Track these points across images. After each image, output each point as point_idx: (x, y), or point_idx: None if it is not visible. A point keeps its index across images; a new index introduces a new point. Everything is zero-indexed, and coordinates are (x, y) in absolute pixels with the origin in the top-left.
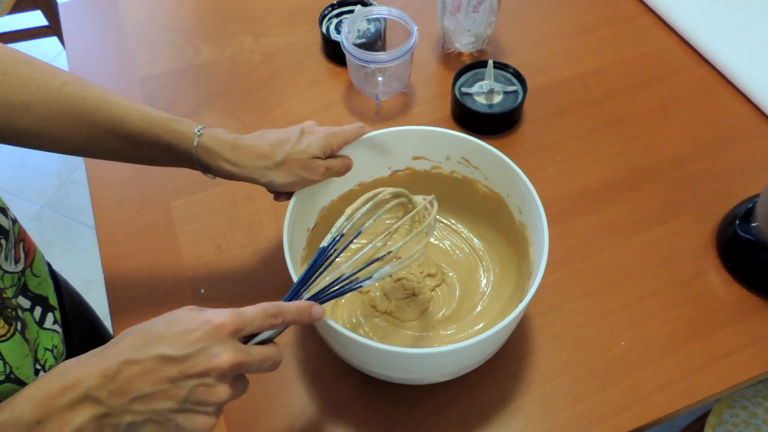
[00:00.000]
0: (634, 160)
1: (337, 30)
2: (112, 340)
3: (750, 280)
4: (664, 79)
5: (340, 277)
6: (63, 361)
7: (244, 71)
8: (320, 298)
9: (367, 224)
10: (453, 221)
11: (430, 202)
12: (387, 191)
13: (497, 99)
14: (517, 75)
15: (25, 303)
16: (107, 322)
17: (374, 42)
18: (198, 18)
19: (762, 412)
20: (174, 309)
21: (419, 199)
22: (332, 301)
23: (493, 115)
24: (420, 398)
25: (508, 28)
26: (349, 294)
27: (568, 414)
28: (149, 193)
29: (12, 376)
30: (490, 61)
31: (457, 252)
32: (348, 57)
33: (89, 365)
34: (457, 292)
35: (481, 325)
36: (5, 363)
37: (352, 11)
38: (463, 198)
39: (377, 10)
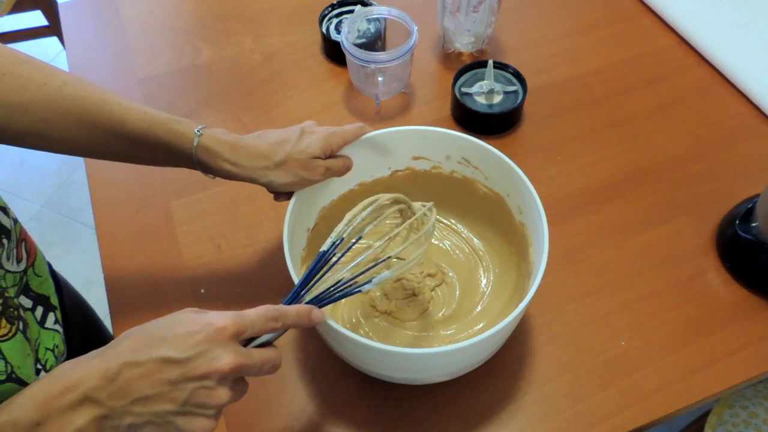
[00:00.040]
0: (634, 160)
1: (337, 30)
2: (112, 342)
3: (750, 280)
4: (664, 79)
5: (339, 281)
6: (64, 360)
7: (244, 71)
8: (320, 301)
9: (367, 229)
10: (453, 221)
11: (429, 209)
12: (386, 197)
13: (497, 99)
14: (517, 75)
15: (27, 303)
16: (107, 322)
17: (374, 42)
18: (198, 18)
19: (762, 412)
20: (174, 309)
21: (418, 206)
22: None
23: (493, 115)
24: (420, 398)
25: (508, 28)
26: None
27: (568, 414)
28: (149, 193)
29: (13, 375)
30: (490, 61)
31: (457, 252)
32: (348, 57)
33: (90, 366)
34: (457, 292)
35: (481, 325)
36: (6, 362)
37: (352, 11)
38: (463, 198)
39: (377, 10)
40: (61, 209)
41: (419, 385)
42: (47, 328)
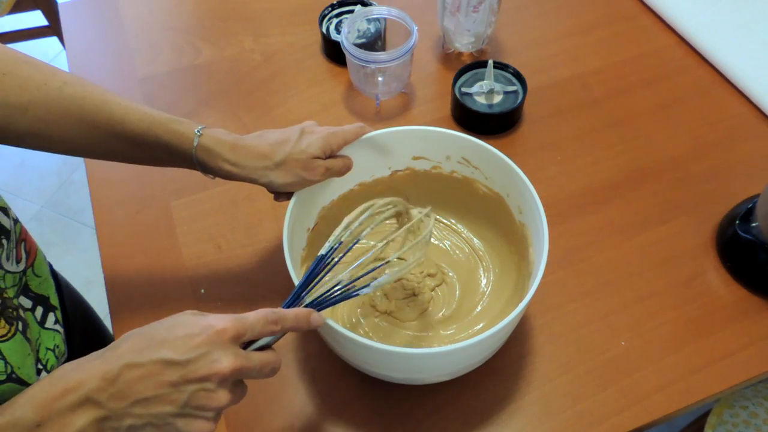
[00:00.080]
0: (634, 160)
1: (337, 30)
2: (113, 343)
3: (750, 280)
4: (664, 79)
5: (338, 285)
6: (65, 360)
7: (244, 71)
8: (319, 305)
9: (364, 232)
10: (453, 221)
11: (427, 214)
12: (381, 202)
13: (497, 99)
14: (517, 75)
15: (27, 303)
16: (107, 321)
17: (374, 42)
18: (198, 18)
19: (762, 412)
20: (174, 309)
21: (416, 213)
22: None
23: (493, 115)
24: (420, 398)
25: (508, 28)
26: None
27: (568, 414)
28: (149, 193)
29: (14, 375)
30: (490, 61)
31: (457, 252)
32: (348, 57)
33: (90, 368)
34: (457, 292)
35: (481, 325)
36: (6, 363)
37: (352, 11)
38: (463, 198)
39: (377, 10)
40: (61, 209)
41: (419, 385)
42: (47, 328)
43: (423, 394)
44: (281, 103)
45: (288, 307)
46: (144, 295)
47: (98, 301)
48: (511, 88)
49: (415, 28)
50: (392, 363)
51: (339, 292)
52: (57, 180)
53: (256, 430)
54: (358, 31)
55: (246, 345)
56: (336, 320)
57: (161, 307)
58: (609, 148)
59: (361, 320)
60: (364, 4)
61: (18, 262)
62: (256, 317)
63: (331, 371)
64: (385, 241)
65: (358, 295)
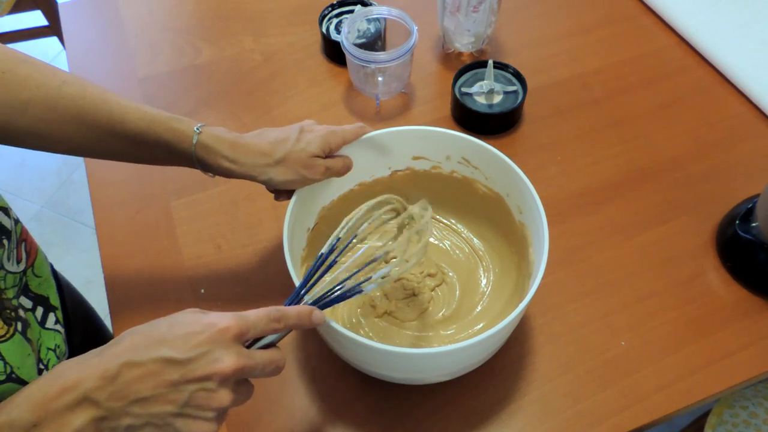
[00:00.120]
0: (634, 160)
1: (337, 30)
2: (111, 341)
3: (750, 280)
4: (664, 79)
5: (339, 284)
6: (65, 360)
7: (244, 71)
8: (320, 303)
9: (361, 228)
10: (453, 221)
11: (425, 207)
12: (373, 202)
13: (497, 99)
14: (517, 75)
15: (27, 303)
16: (107, 321)
17: (374, 42)
18: (198, 18)
19: (762, 412)
20: (174, 309)
21: (415, 209)
22: None
23: (493, 115)
24: (420, 398)
25: (508, 28)
26: None
27: (568, 414)
28: (149, 193)
29: (13, 376)
30: (490, 61)
31: (457, 252)
32: (348, 57)
33: (88, 367)
34: (457, 292)
35: (481, 325)
36: (6, 363)
37: (352, 11)
38: (463, 198)
39: (377, 10)
40: (61, 209)
41: (419, 385)
42: (48, 329)
43: (423, 394)
44: (281, 103)
45: (290, 304)
46: (144, 295)
47: (98, 301)
48: (511, 88)
49: (415, 28)
50: (392, 363)
51: (338, 292)
52: (57, 180)
53: (256, 431)
54: (358, 31)
55: (250, 344)
56: (336, 320)
57: (161, 307)
58: (609, 148)
59: (361, 320)
60: (364, 4)
61: (18, 262)
62: (258, 315)
63: (331, 371)
64: (387, 239)
65: (360, 292)
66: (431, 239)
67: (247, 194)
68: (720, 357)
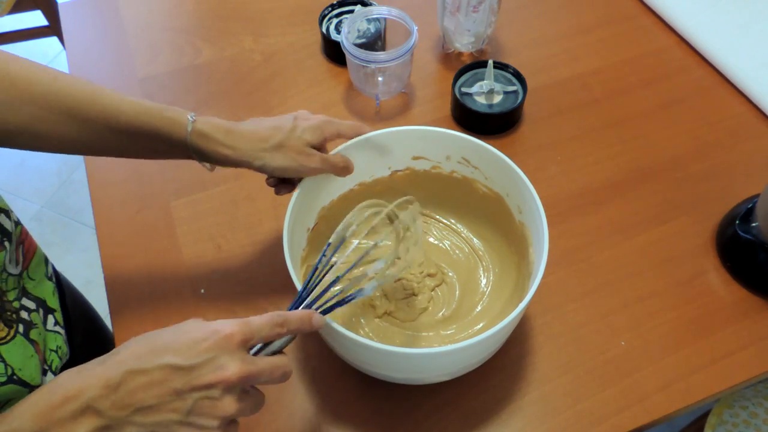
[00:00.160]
0: (634, 160)
1: (337, 30)
2: (115, 349)
3: (750, 280)
4: (664, 79)
5: (337, 288)
6: (67, 360)
7: (244, 71)
8: (321, 309)
9: (350, 231)
10: (453, 221)
11: (409, 201)
12: (358, 208)
13: (497, 99)
14: (517, 75)
15: (30, 305)
16: (108, 321)
17: (374, 42)
18: (198, 18)
19: (762, 412)
20: (174, 309)
21: (407, 218)
22: None
23: (493, 115)
24: (420, 398)
25: (508, 28)
26: None
27: (568, 414)
28: (149, 193)
29: (15, 377)
30: (490, 61)
31: (457, 252)
32: (348, 57)
33: (91, 375)
34: (457, 292)
35: (481, 325)
36: (6, 365)
37: (352, 11)
38: (462, 198)
39: (377, 10)
40: (61, 209)
41: (419, 385)
42: (48, 330)
43: (423, 394)
44: (281, 103)
45: (291, 309)
46: (144, 295)
47: (98, 301)
48: (511, 88)
49: (415, 28)
50: (392, 363)
51: (335, 300)
52: (57, 180)
53: (256, 430)
54: (358, 31)
55: (257, 352)
56: (336, 321)
57: (161, 307)
58: (609, 148)
59: (361, 320)
60: (364, 4)
61: (17, 264)
62: (261, 320)
63: (331, 371)
64: (375, 244)
65: (362, 295)
66: (431, 239)
67: (247, 194)
68: (720, 357)
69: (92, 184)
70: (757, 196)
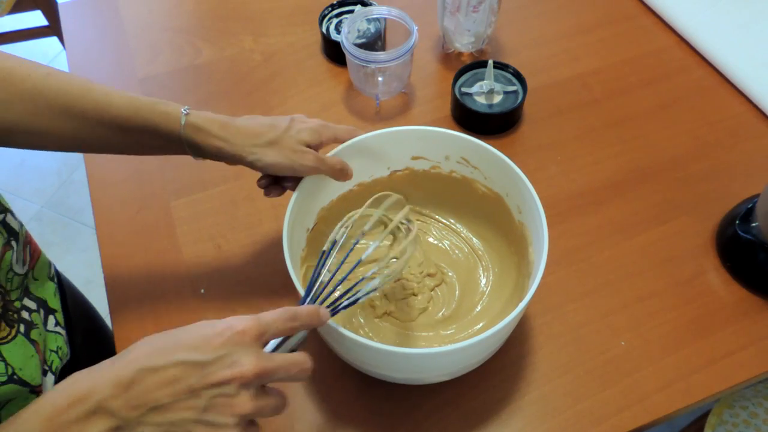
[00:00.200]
0: (634, 160)
1: (337, 30)
2: (123, 351)
3: (750, 280)
4: (664, 79)
5: (343, 293)
6: (67, 361)
7: (244, 71)
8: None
9: (339, 233)
10: (452, 221)
11: (399, 201)
12: (349, 216)
13: (497, 99)
14: (517, 75)
15: (31, 305)
16: (108, 321)
17: (374, 42)
18: (198, 18)
19: (762, 412)
20: (174, 309)
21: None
22: None
23: (493, 115)
24: (420, 398)
25: (508, 28)
26: None
27: (568, 414)
28: (149, 193)
29: (15, 377)
30: (490, 61)
31: (457, 252)
32: (348, 57)
33: (101, 376)
34: (457, 292)
35: (481, 324)
36: (7, 364)
37: (352, 11)
38: (462, 198)
39: (377, 10)
40: (61, 209)
41: (419, 385)
42: (49, 331)
43: (423, 394)
44: (281, 103)
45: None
46: (144, 295)
47: (99, 301)
48: (511, 88)
49: (415, 28)
50: (392, 363)
51: (343, 299)
52: (57, 180)
53: None
54: (358, 31)
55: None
56: (336, 320)
57: (161, 307)
58: (609, 148)
59: (361, 320)
60: (364, 4)
61: (24, 264)
62: (274, 315)
63: (331, 371)
64: (372, 244)
65: (367, 296)
66: (430, 239)
67: (247, 194)
68: (720, 357)
69: (92, 184)
70: (757, 196)
